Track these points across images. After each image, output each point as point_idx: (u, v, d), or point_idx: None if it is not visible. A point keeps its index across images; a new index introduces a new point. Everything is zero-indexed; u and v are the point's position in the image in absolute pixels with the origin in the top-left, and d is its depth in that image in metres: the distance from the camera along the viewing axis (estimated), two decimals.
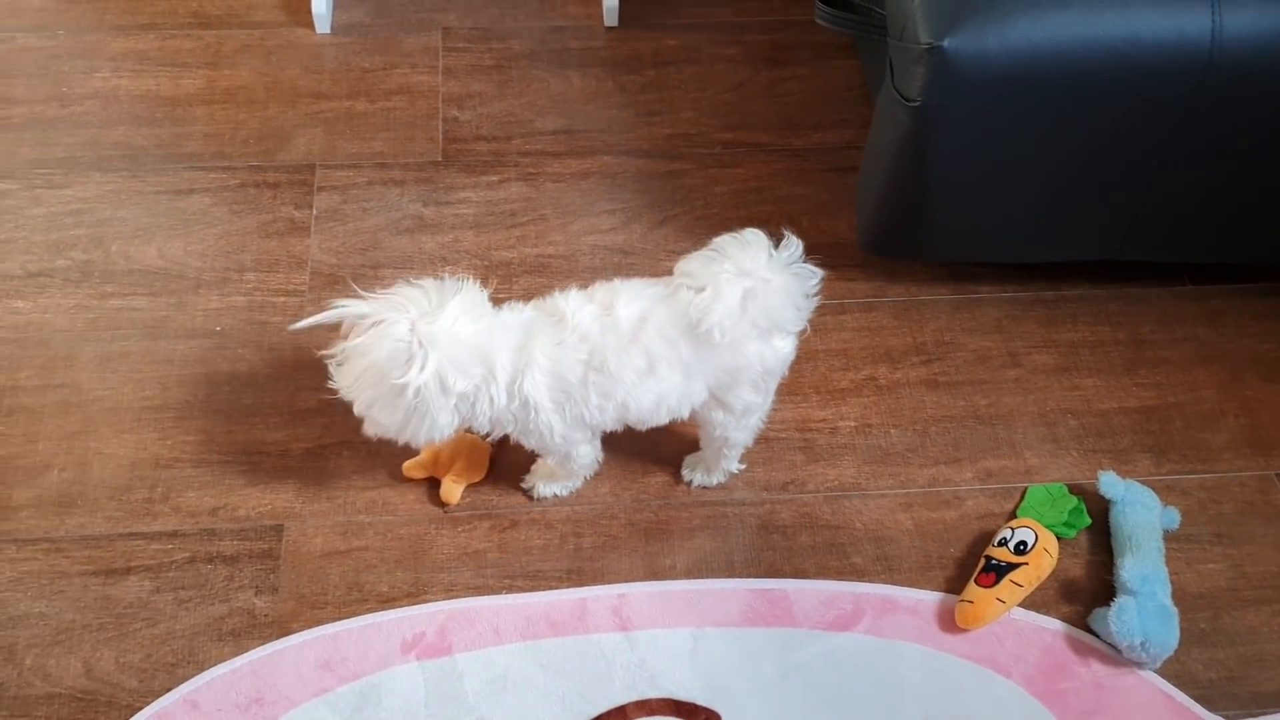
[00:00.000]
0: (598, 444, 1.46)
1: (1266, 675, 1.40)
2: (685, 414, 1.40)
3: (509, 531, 1.49)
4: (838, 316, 1.70)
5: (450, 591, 1.44)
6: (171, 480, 1.52)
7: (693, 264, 1.32)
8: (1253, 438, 1.59)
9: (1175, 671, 1.39)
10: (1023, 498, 1.52)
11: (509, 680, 1.37)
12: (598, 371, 1.31)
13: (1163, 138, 1.48)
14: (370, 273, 1.72)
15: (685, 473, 1.55)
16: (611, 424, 1.39)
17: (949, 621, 1.42)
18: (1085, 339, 1.69)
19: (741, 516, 1.51)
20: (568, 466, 1.48)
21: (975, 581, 1.43)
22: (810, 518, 1.51)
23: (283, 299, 1.70)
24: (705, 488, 1.54)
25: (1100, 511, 1.50)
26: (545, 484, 1.51)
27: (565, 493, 1.52)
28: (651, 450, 1.56)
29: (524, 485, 1.53)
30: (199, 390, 1.60)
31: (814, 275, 1.34)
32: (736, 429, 1.45)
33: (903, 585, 1.45)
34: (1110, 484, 1.49)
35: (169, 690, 1.35)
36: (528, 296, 1.68)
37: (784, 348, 1.38)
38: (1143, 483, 1.51)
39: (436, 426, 1.30)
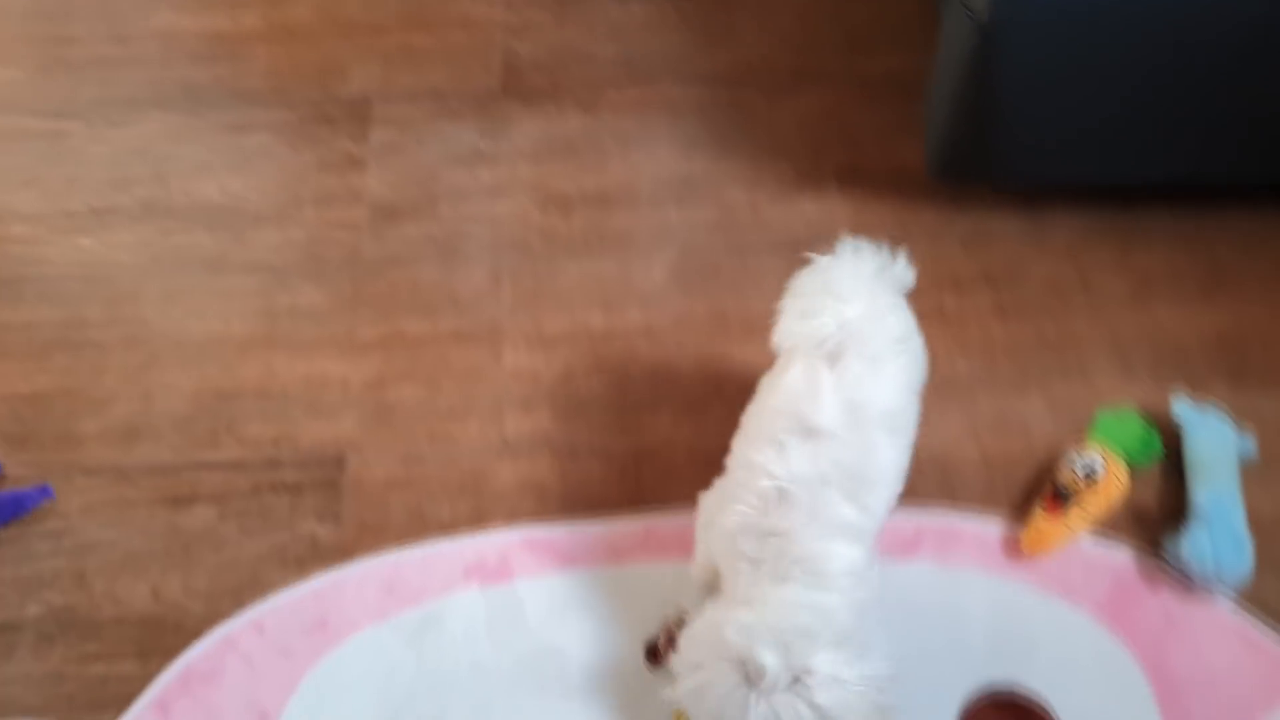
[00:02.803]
0: None
1: None
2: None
3: (570, 462, 1.48)
4: (903, 245, 1.66)
5: (512, 519, 1.44)
6: (235, 411, 1.53)
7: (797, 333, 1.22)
8: None
9: (1249, 599, 1.35)
10: (1092, 425, 1.49)
11: (570, 605, 1.37)
12: (870, 493, 1.15)
13: (1248, 51, 1.42)
14: (428, 206, 1.72)
15: None
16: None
17: (1015, 549, 1.39)
18: (1160, 264, 1.64)
19: None
20: None
21: (1042, 508, 1.40)
22: None
23: (341, 233, 1.70)
24: None
25: (1173, 438, 1.46)
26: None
27: None
28: (713, 379, 1.54)
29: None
30: (260, 324, 1.61)
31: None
32: None
33: (968, 513, 1.43)
34: (1184, 409, 1.45)
35: (234, 614, 1.37)
36: (586, 229, 1.69)
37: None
38: (1219, 409, 1.47)
39: None
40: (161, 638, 1.35)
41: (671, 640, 1.27)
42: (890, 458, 1.18)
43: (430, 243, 1.68)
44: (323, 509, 1.45)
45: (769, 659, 1.03)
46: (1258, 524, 1.39)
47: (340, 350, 1.58)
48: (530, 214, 1.71)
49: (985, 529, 1.42)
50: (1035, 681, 1.31)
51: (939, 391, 1.53)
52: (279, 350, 1.58)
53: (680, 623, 1.29)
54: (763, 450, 1.15)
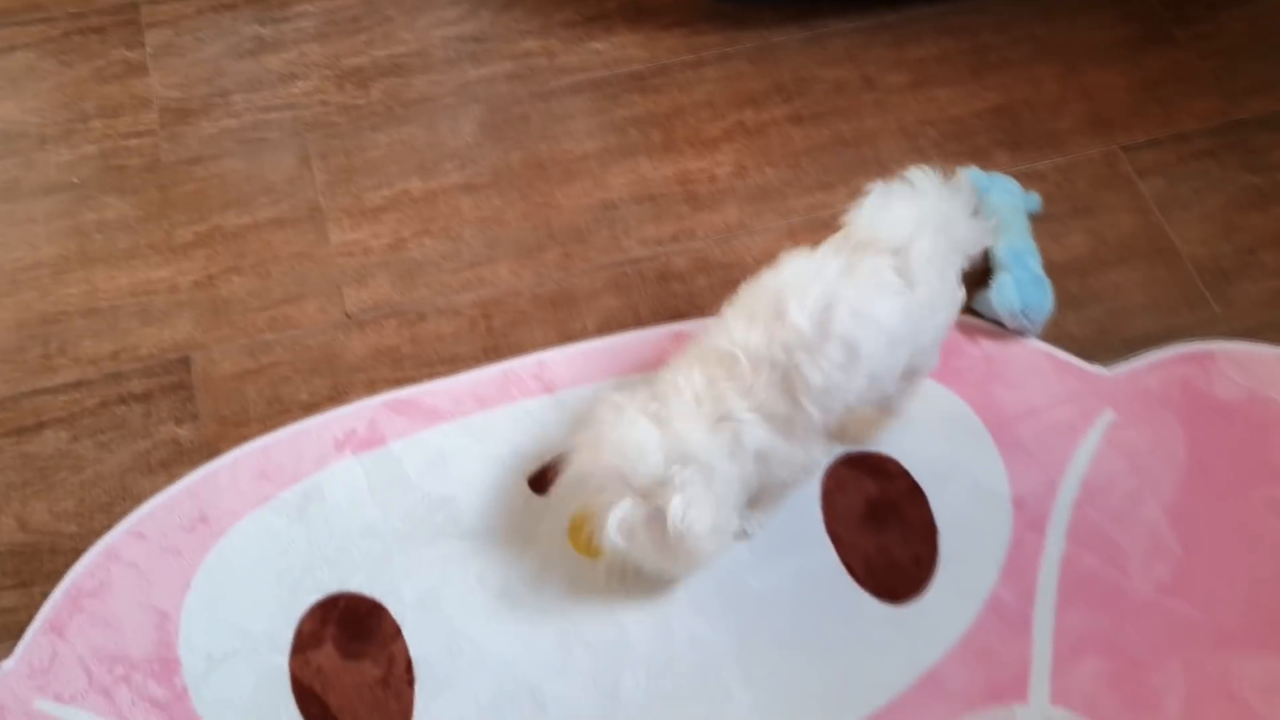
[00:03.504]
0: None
1: (1131, 322, 1.53)
2: (893, 388, 1.28)
3: (418, 325, 1.51)
4: (697, 70, 1.73)
5: (372, 388, 1.46)
6: (64, 334, 1.49)
7: (867, 223, 1.20)
8: (1095, 119, 1.70)
9: (1054, 335, 1.51)
10: None
11: (447, 455, 1.41)
12: (804, 394, 1.16)
13: None
14: (220, 101, 1.68)
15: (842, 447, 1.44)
16: (840, 419, 1.25)
17: None
18: (932, 54, 1.76)
19: (640, 272, 1.56)
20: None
21: None
22: (704, 261, 1.57)
23: (135, 140, 1.64)
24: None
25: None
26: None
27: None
28: (542, 224, 1.59)
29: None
30: (70, 243, 1.55)
31: (975, 196, 1.23)
32: (915, 392, 1.36)
33: None
34: (975, 178, 1.58)
35: (110, 528, 1.35)
36: (387, 99, 1.69)
37: (961, 292, 1.29)
38: (1004, 173, 1.60)
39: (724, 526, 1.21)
40: (39, 564, 1.33)
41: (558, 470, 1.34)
42: (833, 376, 1.16)
43: (231, 137, 1.65)
44: (179, 411, 1.43)
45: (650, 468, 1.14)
46: (1053, 268, 1.54)
47: (161, 255, 1.55)
48: (328, 93, 1.69)
49: None
50: (882, 441, 1.43)
51: (754, 199, 1.62)
52: (97, 266, 1.54)
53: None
54: (738, 315, 1.19)
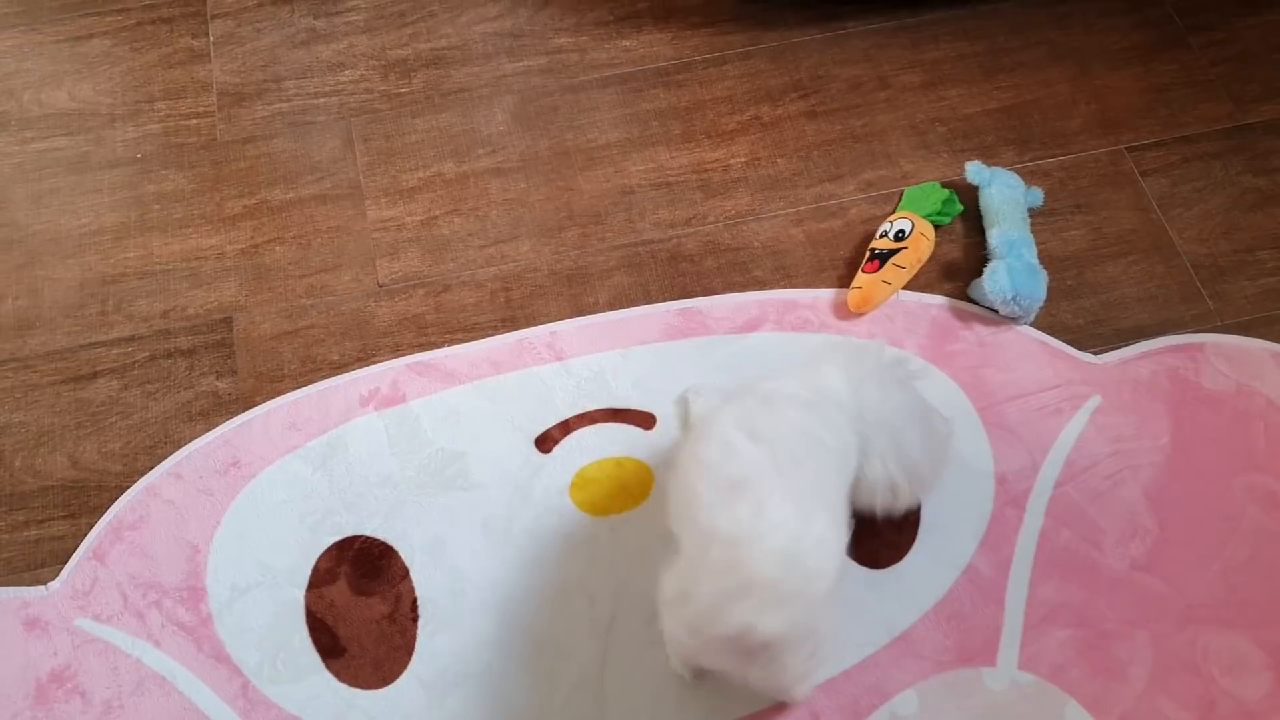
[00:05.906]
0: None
1: (1125, 314, 1.58)
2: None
3: (443, 295, 1.62)
4: (719, 68, 1.82)
5: (397, 351, 1.57)
6: (120, 293, 1.62)
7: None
8: (1103, 120, 1.75)
9: (1048, 323, 1.57)
10: (900, 199, 1.67)
11: (462, 414, 1.51)
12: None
13: None
14: (274, 86, 1.81)
15: None
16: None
17: (844, 310, 1.57)
18: (947, 55, 1.83)
19: (653, 253, 1.65)
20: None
21: (862, 270, 1.58)
22: (714, 244, 1.65)
23: (195, 121, 1.78)
24: None
25: (972, 200, 1.66)
26: None
27: None
28: (563, 207, 1.69)
29: None
30: (131, 212, 1.69)
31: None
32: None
33: (800, 288, 1.61)
34: (976, 171, 1.64)
35: (152, 468, 1.48)
36: (427, 88, 1.80)
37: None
38: (1008, 169, 1.67)
39: None
40: (86, 498, 1.46)
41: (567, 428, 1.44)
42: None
43: (281, 119, 1.78)
44: (219, 366, 1.56)
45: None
46: (1050, 261, 1.60)
47: (211, 225, 1.68)
48: (373, 81, 1.81)
49: (817, 298, 1.60)
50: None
51: (765, 188, 1.70)
52: (153, 233, 1.67)
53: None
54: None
